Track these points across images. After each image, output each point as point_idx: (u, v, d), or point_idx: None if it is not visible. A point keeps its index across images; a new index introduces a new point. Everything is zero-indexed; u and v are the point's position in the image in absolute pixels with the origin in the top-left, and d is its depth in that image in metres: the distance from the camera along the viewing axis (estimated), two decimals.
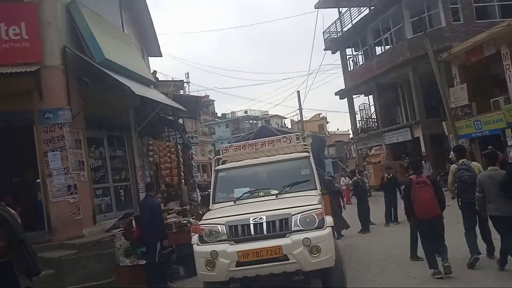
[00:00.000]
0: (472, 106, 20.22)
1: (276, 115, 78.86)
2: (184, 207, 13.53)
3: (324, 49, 31.75)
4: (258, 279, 5.81)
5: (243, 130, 75.44)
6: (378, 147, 30.84)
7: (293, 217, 5.79)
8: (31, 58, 9.34)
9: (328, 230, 5.81)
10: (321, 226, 5.79)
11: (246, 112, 79.34)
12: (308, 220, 5.79)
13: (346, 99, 31.71)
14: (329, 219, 6.02)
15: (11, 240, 4.81)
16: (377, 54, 28.38)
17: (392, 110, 29.95)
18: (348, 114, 31.96)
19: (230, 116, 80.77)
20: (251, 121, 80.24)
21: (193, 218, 12.33)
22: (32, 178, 10.32)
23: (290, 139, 7.39)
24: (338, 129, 77.69)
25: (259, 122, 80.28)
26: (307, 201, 6.20)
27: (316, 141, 7.78)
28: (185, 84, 34.68)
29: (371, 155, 32.20)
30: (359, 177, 14.38)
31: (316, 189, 6.79)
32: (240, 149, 7.49)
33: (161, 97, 12.14)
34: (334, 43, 31.18)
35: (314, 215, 5.82)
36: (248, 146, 7.46)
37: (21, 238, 4.87)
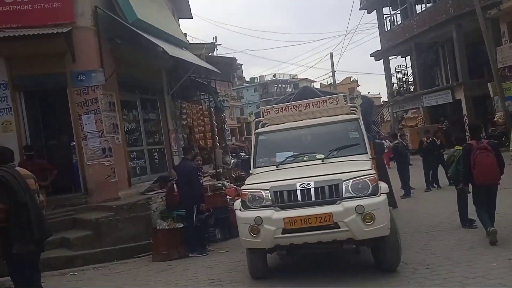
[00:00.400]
0: None
1: (305, 79, 77.42)
2: (217, 170, 13.39)
3: (360, 9, 30.31)
4: (305, 247, 5.49)
5: (272, 94, 74.71)
6: (414, 110, 29.78)
7: (344, 183, 5.37)
8: (63, 19, 9.11)
9: (383, 197, 5.37)
10: (375, 192, 5.35)
11: (274, 76, 78.21)
12: (360, 186, 5.36)
13: (381, 61, 30.46)
14: (383, 185, 5.57)
15: (12, 203, 4.51)
16: (417, 12, 26.85)
17: (431, 71, 28.61)
18: (380, 77, 30.93)
19: (258, 80, 79.84)
20: (279, 85, 79.18)
21: (227, 181, 12.17)
22: (67, 140, 10.28)
23: (338, 100, 6.80)
24: (369, 92, 75.76)
25: (288, 86, 79.18)
26: (359, 166, 5.75)
27: (364, 102, 7.21)
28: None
29: (407, 118, 31.19)
30: (400, 140, 13.72)
31: (366, 153, 6.31)
32: (282, 111, 6.97)
33: (195, 59, 11.71)
34: (371, 2, 29.67)
35: (367, 180, 5.38)
36: (291, 108, 6.94)
37: (23, 202, 4.55)
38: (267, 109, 7.19)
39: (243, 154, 28.52)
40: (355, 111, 6.94)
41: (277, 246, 5.49)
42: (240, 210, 5.73)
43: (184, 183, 8.17)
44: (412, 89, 29.94)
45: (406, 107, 29.61)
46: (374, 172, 5.59)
